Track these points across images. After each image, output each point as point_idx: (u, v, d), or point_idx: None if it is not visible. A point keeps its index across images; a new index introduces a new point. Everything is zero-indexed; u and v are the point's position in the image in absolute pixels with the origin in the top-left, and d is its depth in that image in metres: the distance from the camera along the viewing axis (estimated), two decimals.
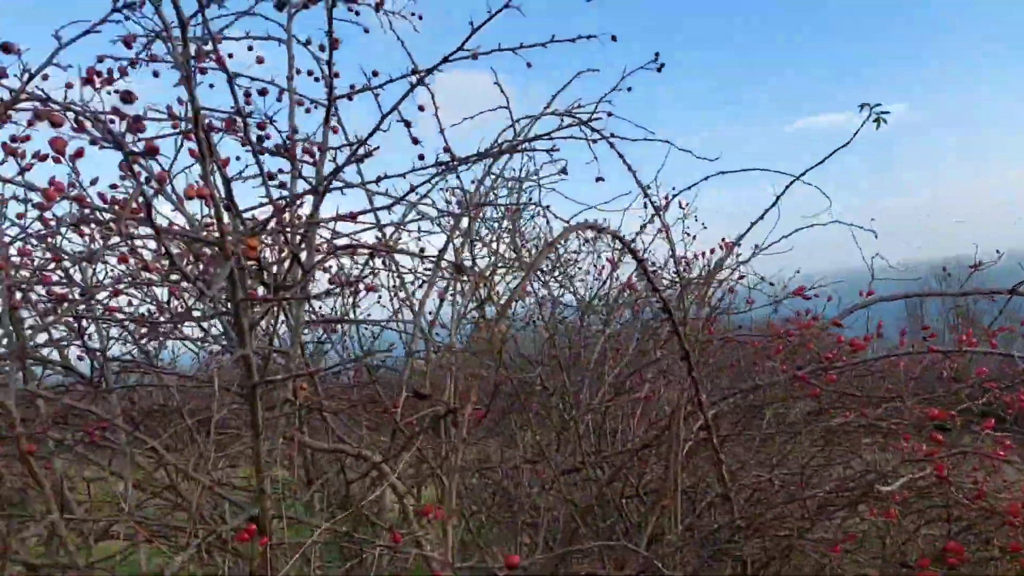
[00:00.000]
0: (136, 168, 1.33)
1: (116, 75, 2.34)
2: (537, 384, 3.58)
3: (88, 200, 1.33)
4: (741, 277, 3.21)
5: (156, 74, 2.20)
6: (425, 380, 3.21)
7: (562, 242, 1.96)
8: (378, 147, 1.85)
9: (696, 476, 3.33)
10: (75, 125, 2.27)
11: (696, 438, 2.94)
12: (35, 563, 2.33)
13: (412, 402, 2.92)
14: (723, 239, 3.93)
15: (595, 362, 3.24)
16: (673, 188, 3.84)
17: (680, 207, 3.97)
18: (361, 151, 2.00)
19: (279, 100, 2.19)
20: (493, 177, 3.05)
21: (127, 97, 1.85)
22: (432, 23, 2.39)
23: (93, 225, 1.88)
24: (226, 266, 1.75)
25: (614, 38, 2.18)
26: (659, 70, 2.63)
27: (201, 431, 2.89)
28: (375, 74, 2.13)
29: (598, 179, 2.86)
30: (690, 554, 2.69)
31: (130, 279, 1.83)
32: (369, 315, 3.41)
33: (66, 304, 1.80)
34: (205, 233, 1.73)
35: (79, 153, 2.16)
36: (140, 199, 1.29)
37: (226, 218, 1.81)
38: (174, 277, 1.85)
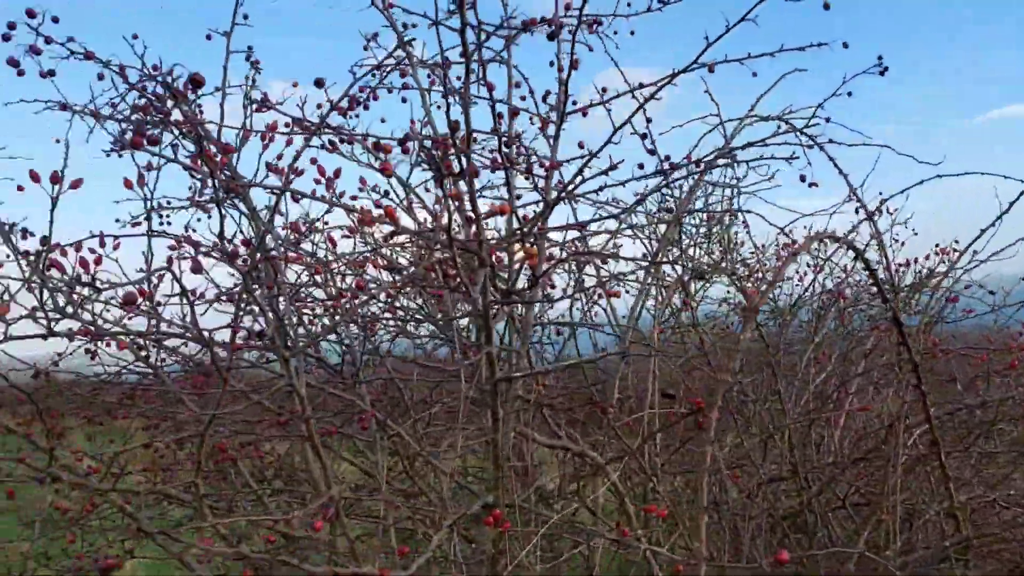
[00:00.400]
0: (447, 187, 1.51)
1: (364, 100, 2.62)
2: (735, 390, 3.57)
3: (397, 216, 1.53)
4: (967, 286, 3.06)
5: (405, 100, 2.43)
6: (628, 383, 3.30)
7: (805, 251, 1.97)
8: (623, 160, 1.95)
9: (908, 491, 3.21)
10: (329, 147, 2.56)
11: (915, 452, 2.84)
12: (293, 534, 2.63)
13: (619, 403, 3.02)
14: (937, 245, 3.76)
15: (802, 371, 3.21)
16: (880, 193, 3.71)
17: (888, 212, 3.83)
18: (594, 163, 2.12)
19: (513, 118, 2.35)
20: (704, 184, 3.09)
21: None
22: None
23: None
24: (482, 272, 1.92)
25: (845, 45, 2.17)
26: (882, 73, 2.58)
27: (421, 421, 3.12)
28: (604, 90, 2.25)
29: (811, 184, 2.83)
30: (912, 570, 2.61)
31: (406, 283, 2.04)
32: (563, 317, 3.54)
33: (352, 304, 2.04)
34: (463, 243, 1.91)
35: (337, 173, 2.43)
36: (446, 215, 1.47)
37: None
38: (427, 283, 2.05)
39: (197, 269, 1.69)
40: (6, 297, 2.17)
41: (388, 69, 2.61)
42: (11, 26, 1.82)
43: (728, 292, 4.27)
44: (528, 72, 2.57)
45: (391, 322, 3.02)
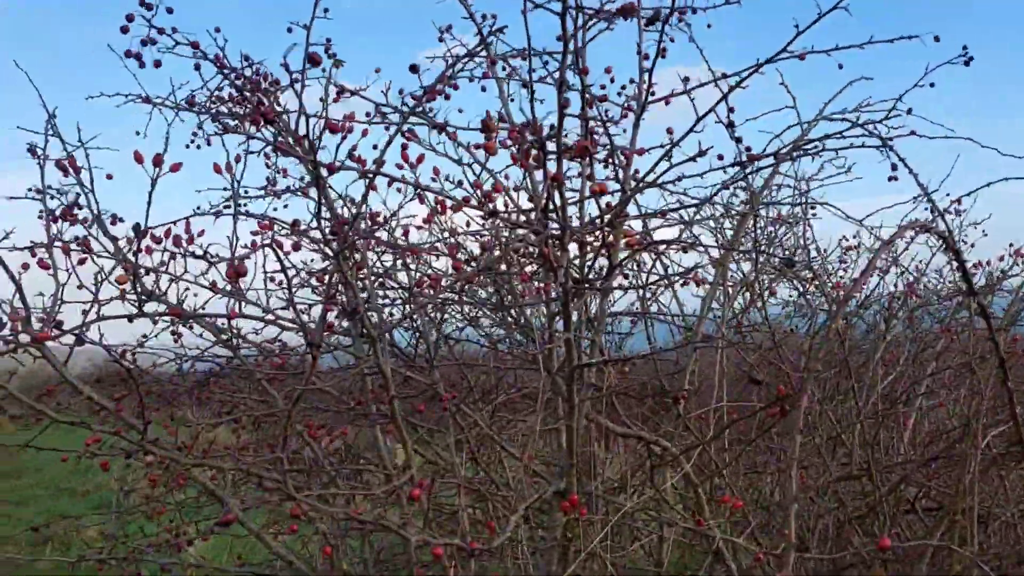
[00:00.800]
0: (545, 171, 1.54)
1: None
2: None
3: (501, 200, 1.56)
4: None
5: (484, 89, 2.47)
6: (693, 377, 3.30)
7: (894, 244, 1.95)
8: (712, 147, 1.96)
9: (983, 493, 3.13)
10: (407, 135, 2.60)
11: (990, 453, 2.78)
12: (368, 519, 2.68)
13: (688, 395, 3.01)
14: (1010, 244, 3.69)
15: (873, 370, 3.17)
16: (947, 195, 3.66)
17: (957, 214, 3.76)
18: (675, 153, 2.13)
19: (590, 106, 2.37)
20: (772, 183, 3.08)
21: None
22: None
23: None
24: (564, 258, 1.94)
25: (937, 39, 2.15)
26: (967, 63, 2.54)
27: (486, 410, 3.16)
28: (686, 80, 2.26)
29: (891, 178, 2.80)
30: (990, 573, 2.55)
31: (482, 270, 2.08)
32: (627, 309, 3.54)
33: (437, 288, 2.08)
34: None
35: (420, 159, 2.48)
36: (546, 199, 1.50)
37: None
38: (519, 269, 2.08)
39: (298, 247, 1.75)
40: (100, 277, 2.26)
41: (464, 60, 2.66)
42: (129, 18, 1.90)
43: (791, 295, 4.23)
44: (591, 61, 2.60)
45: (460, 310, 3.06)
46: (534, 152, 1.48)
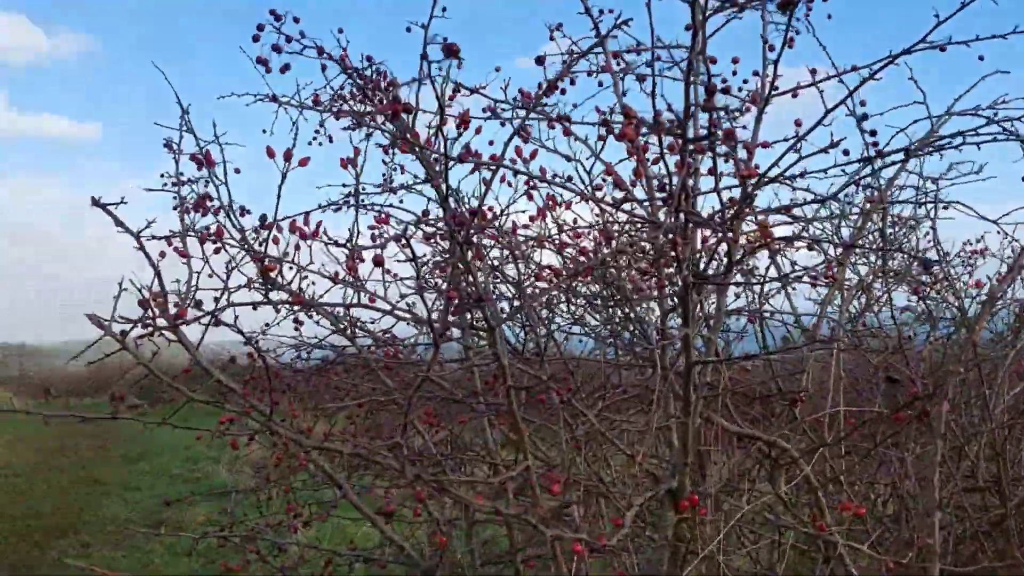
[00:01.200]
0: (690, 161, 1.53)
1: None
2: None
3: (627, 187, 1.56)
4: None
5: (601, 83, 2.46)
6: (809, 379, 3.20)
7: None
8: (845, 138, 1.90)
9: None
10: (523, 134, 2.62)
11: None
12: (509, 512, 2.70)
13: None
14: None
15: (1001, 378, 2.99)
16: None
17: None
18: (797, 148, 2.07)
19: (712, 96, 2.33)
20: (897, 180, 2.95)
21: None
22: None
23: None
24: (687, 251, 1.92)
25: None
26: None
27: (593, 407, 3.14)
28: (813, 72, 2.20)
29: None
30: None
31: (597, 264, 2.08)
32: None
33: (554, 281, 2.09)
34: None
35: (533, 155, 2.50)
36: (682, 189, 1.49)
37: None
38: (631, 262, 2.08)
39: (430, 238, 1.79)
40: (231, 266, 2.37)
41: (581, 56, 2.65)
42: (260, 28, 1.99)
43: (910, 300, 4.03)
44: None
45: (569, 307, 3.06)
46: (669, 142, 1.46)
